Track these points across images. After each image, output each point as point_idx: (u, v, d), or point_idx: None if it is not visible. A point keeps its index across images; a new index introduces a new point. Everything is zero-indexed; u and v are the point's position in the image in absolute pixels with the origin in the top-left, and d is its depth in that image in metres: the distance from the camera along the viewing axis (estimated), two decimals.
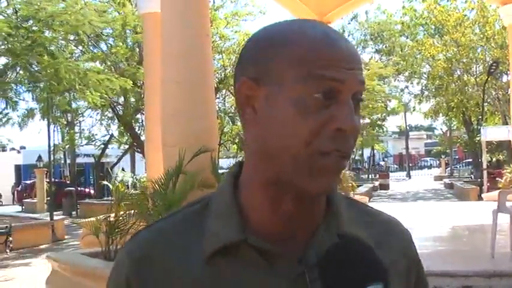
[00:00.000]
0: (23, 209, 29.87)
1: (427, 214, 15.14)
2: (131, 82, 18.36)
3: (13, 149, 54.44)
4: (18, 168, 44.84)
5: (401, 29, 33.01)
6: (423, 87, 35.00)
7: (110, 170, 21.98)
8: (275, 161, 0.86)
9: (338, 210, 0.94)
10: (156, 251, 0.91)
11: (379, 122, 38.98)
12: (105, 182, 13.85)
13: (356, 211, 0.99)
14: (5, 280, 10.85)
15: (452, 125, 43.26)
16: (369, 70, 29.63)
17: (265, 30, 0.92)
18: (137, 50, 22.25)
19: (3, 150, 57.29)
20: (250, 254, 0.88)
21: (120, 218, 6.88)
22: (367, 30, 35.17)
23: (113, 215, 7.04)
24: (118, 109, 25.60)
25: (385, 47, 34.81)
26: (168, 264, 0.90)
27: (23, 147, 50.77)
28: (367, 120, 36.49)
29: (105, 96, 18.37)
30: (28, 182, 37.00)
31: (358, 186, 26.79)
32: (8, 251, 14.23)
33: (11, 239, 14.41)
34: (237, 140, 26.56)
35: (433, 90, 33.05)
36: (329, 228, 0.92)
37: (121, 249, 0.98)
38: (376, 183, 35.05)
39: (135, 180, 16.08)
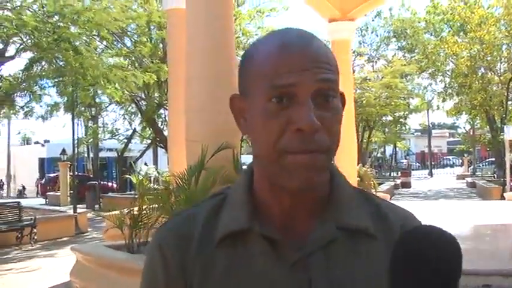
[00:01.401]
0: (46, 201, 30.30)
1: (448, 213, 15.07)
2: (155, 77, 18.51)
3: (37, 142, 55.16)
4: (42, 161, 45.39)
5: (425, 26, 32.77)
6: (446, 85, 34.69)
7: (133, 164, 22.18)
8: (261, 162, 0.99)
9: (339, 202, 1.02)
10: (184, 234, 1.05)
11: (401, 120, 38.73)
12: (128, 176, 14.01)
13: (368, 204, 1.07)
14: (30, 271, 11.05)
15: (475, 124, 42.81)
16: (391, 67, 29.51)
17: (247, 49, 1.05)
18: (161, 46, 22.38)
19: (28, 144, 58.11)
20: (257, 241, 0.99)
21: (144, 212, 6.98)
22: (391, 28, 34.92)
23: (136, 208, 7.14)
24: (141, 104, 25.81)
25: (408, 44, 34.54)
26: (191, 247, 1.03)
27: (47, 141, 51.33)
28: (389, 118, 36.30)
29: (129, 91, 18.55)
30: (52, 175, 37.49)
31: (380, 184, 26.63)
32: (32, 242, 14.48)
33: (35, 231, 14.66)
34: None
35: (456, 88, 32.75)
36: (329, 220, 1.00)
37: (155, 233, 1.11)
38: (398, 181, 34.84)
39: (157, 174, 16.24)
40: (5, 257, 12.90)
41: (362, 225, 1.01)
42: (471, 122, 43.46)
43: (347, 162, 16.21)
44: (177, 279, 1.02)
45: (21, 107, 20.38)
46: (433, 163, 55.52)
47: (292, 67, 0.92)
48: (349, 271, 0.98)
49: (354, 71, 27.79)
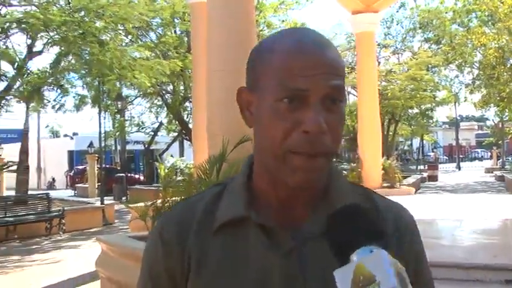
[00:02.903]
0: (75, 193, 30.79)
1: (475, 206, 14.91)
2: (180, 63, 18.63)
3: (66, 135, 55.96)
4: (70, 153, 46.02)
5: (452, 16, 32.29)
6: (474, 77, 34.17)
7: (159, 156, 22.46)
8: (264, 156, 1.02)
9: (333, 194, 1.07)
10: (183, 221, 1.10)
11: (428, 112, 38.29)
12: (156, 164, 14.21)
13: (360, 196, 1.11)
14: (58, 260, 11.29)
15: (504, 116, 42.12)
16: (417, 59, 29.20)
17: (259, 42, 1.08)
18: (185, 39, 22.51)
19: (57, 137, 59.04)
20: (253, 229, 1.04)
21: (167, 203, 7.06)
22: (416, 19, 34.49)
23: (160, 200, 7.24)
24: (167, 97, 26.02)
25: (434, 35, 34.05)
26: (190, 233, 1.08)
27: (75, 134, 51.95)
28: (415, 110, 35.95)
29: (156, 81, 18.71)
30: (80, 167, 38.06)
31: (406, 177, 26.40)
32: (61, 233, 14.80)
33: (63, 221, 14.98)
34: None
35: (484, 80, 32.23)
36: (322, 210, 1.04)
37: (157, 220, 1.16)
38: (425, 175, 34.51)
39: (183, 166, 16.42)
40: (34, 246, 13.30)
41: None
42: (500, 115, 42.79)
43: (371, 154, 16.20)
44: (176, 264, 1.07)
45: (49, 101, 20.68)
46: (461, 156, 54.85)
47: (306, 71, 0.95)
48: None
49: (379, 63, 27.58)
